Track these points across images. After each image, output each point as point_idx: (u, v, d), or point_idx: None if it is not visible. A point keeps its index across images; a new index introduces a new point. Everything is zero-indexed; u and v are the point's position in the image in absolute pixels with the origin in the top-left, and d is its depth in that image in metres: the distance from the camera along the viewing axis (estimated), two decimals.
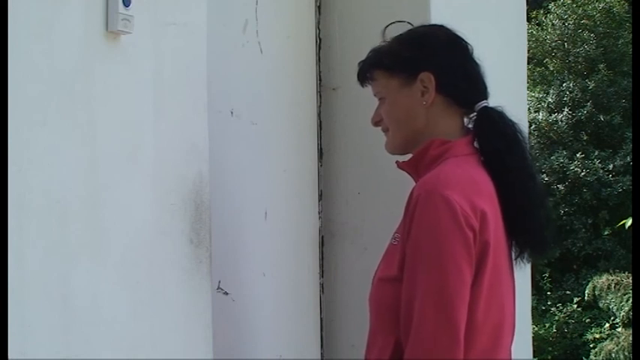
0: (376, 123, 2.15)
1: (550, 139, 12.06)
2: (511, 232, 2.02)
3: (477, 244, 1.88)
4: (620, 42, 12.44)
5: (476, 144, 2.06)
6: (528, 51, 3.49)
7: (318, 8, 2.76)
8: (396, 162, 2.14)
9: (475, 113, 2.06)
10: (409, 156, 2.12)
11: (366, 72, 2.14)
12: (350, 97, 2.68)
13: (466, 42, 2.10)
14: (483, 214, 1.90)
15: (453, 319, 1.84)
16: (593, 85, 12.08)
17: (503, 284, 2.00)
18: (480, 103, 2.06)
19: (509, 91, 2.89)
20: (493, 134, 2.04)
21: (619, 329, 10.16)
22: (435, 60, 2.06)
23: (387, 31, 2.18)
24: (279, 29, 2.61)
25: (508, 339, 2.03)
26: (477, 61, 2.10)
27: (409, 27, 2.21)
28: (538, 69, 12.68)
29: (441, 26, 2.13)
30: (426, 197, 1.89)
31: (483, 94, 2.09)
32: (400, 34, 2.15)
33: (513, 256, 2.06)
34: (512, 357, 2.08)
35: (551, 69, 12.68)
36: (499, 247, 1.96)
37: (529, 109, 11.69)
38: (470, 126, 2.08)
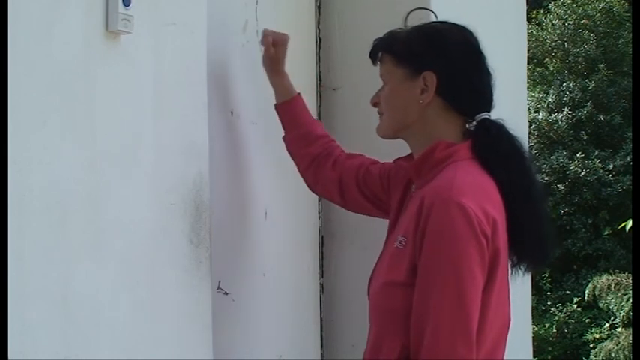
0: (374, 104, 2.16)
1: (550, 139, 12.04)
2: (509, 243, 2.02)
3: (489, 250, 1.89)
4: (620, 42, 12.42)
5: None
6: (528, 51, 3.49)
7: (318, 8, 2.76)
8: (395, 160, 2.15)
9: (475, 123, 2.04)
10: (401, 153, 2.12)
11: (378, 52, 2.14)
12: (350, 97, 2.68)
13: (481, 50, 2.07)
14: (494, 221, 1.91)
15: (469, 325, 1.86)
16: (593, 85, 12.07)
17: (507, 288, 2.01)
18: (479, 115, 2.04)
19: (509, 91, 2.89)
20: (488, 150, 2.01)
21: (619, 329, 10.16)
22: (442, 61, 2.04)
23: (409, 18, 2.17)
24: (279, 29, 2.61)
25: (506, 338, 2.04)
26: (489, 71, 2.07)
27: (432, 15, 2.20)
28: (538, 69, 12.67)
29: (463, 28, 2.10)
30: (441, 205, 1.89)
31: (486, 105, 2.06)
32: (419, 26, 2.13)
33: (509, 265, 2.06)
34: (512, 357, 2.09)
35: (551, 69, 12.67)
36: (506, 253, 1.98)
37: (529, 109, 11.68)
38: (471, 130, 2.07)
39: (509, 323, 2.04)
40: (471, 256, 1.86)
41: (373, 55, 2.16)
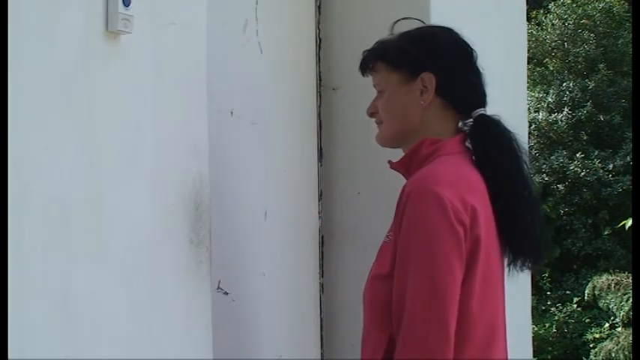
0: (371, 114, 2.17)
1: (550, 139, 12.04)
2: (501, 236, 2.02)
3: (467, 239, 1.90)
4: (620, 42, 12.42)
5: (468, 144, 2.07)
6: (528, 51, 3.49)
7: (318, 8, 2.76)
8: (388, 162, 2.16)
9: (471, 120, 2.07)
10: (399, 152, 2.13)
11: (369, 62, 2.15)
12: (350, 97, 2.68)
13: (472, 48, 2.11)
14: (474, 209, 1.92)
15: (443, 315, 1.85)
16: (593, 85, 12.06)
17: (496, 282, 2.01)
18: (477, 111, 2.07)
19: (509, 91, 2.89)
20: (487, 140, 2.05)
21: (619, 329, 10.15)
22: (439, 62, 2.07)
23: (395, 27, 2.18)
24: (279, 29, 2.61)
25: (503, 338, 2.04)
26: (480, 69, 2.11)
27: (418, 23, 2.21)
28: (538, 69, 12.66)
29: (450, 29, 2.13)
30: (417, 194, 1.91)
31: (482, 102, 2.10)
32: (408, 31, 2.15)
33: (505, 262, 2.07)
34: (512, 357, 2.08)
35: (551, 69, 12.67)
36: (490, 244, 1.98)
37: (529, 109, 11.67)
38: (465, 129, 2.09)
39: (502, 317, 2.04)
40: (445, 244, 1.87)
41: (364, 66, 2.17)
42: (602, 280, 10.07)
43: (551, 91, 12.29)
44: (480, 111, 2.08)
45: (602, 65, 12.15)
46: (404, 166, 2.10)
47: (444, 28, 2.16)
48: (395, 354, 1.89)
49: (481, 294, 1.92)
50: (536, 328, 10.33)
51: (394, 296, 1.91)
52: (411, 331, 1.86)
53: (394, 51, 2.10)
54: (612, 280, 9.99)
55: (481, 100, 2.10)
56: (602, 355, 9.83)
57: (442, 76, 2.05)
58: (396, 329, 1.90)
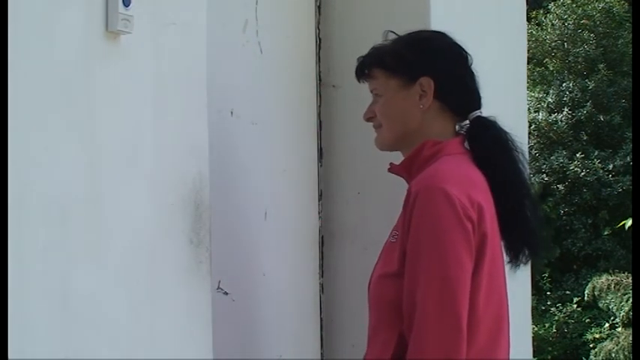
0: (369, 119, 2.19)
1: (550, 139, 12.03)
2: (501, 233, 2.04)
3: (475, 235, 1.92)
4: (620, 42, 12.41)
5: (467, 145, 2.10)
6: (528, 51, 3.49)
7: (318, 8, 2.76)
8: (389, 165, 2.17)
9: (468, 122, 2.10)
10: (398, 155, 2.14)
11: (365, 68, 2.17)
12: (350, 97, 2.68)
13: (466, 52, 2.14)
14: (480, 206, 1.95)
15: (456, 309, 1.87)
16: (592, 85, 12.05)
17: (500, 277, 2.03)
18: (473, 112, 2.11)
19: (509, 91, 2.89)
20: (486, 141, 2.08)
21: (619, 329, 10.15)
22: (436, 66, 2.09)
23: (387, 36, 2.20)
24: (279, 29, 2.61)
25: (507, 334, 2.05)
26: (475, 71, 2.14)
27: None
28: (538, 69, 12.66)
29: (443, 33, 2.16)
30: (425, 192, 1.93)
31: (478, 103, 2.13)
32: (402, 36, 2.17)
33: (507, 259, 2.09)
34: (512, 357, 2.09)
35: (551, 69, 12.66)
36: (495, 241, 2.01)
37: (529, 109, 11.66)
38: (462, 132, 2.11)
39: (506, 314, 2.05)
40: (455, 240, 1.89)
41: (360, 72, 2.19)
42: (602, 280, 10.06)
43: (551, 91, 12.28)
44: (477, 113, 2.11)
45: (602, 65, 12.14)
46: (405, 169, 2.11)
47: (437, 32, 2.20)
48: (408, 353, 1.89)
49: (487, 288, 1.95)
50: (536, 328, 10.33)
51: (405, 294, 1.92)
52: (424, 328, 1.87)
53: (391, 57, 2.12)
54: (612, 280, 9.98)
55: (477, 102, 2.13)
56: (602, 355, 9.83)
57: (440, 80, 2.08)
58: (407, 327, 1.91)
